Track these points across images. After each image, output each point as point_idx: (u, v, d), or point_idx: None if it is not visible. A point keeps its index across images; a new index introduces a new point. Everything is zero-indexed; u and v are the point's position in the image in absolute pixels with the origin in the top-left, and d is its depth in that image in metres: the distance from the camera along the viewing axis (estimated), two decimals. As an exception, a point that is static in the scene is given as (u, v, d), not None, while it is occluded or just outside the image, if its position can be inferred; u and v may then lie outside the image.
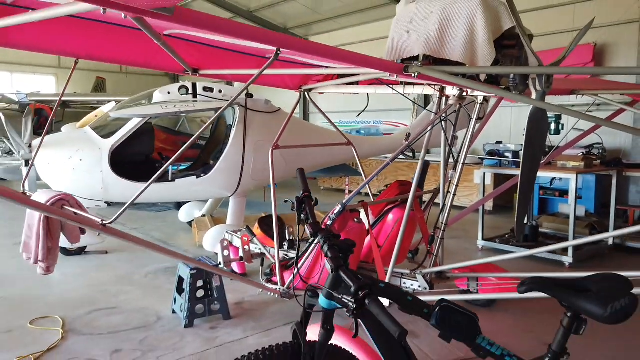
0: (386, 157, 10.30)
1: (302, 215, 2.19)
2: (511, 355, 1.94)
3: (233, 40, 2.57)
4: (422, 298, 2.02)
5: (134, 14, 1.60)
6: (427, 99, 11.21)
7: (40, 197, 3.05)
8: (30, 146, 6.07)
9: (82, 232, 3.11)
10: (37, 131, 9.34)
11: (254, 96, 6.53)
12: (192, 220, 7.59)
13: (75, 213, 2.80)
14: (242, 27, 1.88)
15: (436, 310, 1.85)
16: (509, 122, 10.86)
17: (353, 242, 1.98)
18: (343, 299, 1.79)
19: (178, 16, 1.64)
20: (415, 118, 12.03)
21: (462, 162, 3.88)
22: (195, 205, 8.00)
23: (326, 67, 3.32)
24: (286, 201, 2.32)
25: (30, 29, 2.62)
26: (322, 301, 1.90)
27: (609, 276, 1.91)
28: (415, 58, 3.13)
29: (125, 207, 2.59)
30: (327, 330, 1.92)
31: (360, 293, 1.69)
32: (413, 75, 2.67)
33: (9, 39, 2.64)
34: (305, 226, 2.13)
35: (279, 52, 2.22)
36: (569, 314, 1.85)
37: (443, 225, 3.99)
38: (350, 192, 9.93)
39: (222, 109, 3.19)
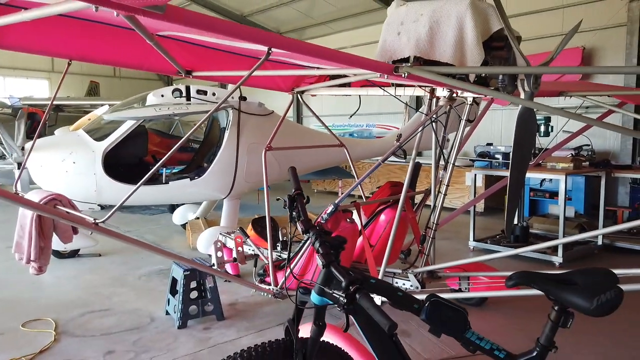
0: (378, 159, 10.35)
1: (294, 213, 2.21)
2: (500, 349, 1.97)
3: (225, 40, 2.60)
4: (414, 297, 2.03)
5: (125, 12, 1.61)
6: (419, 101, 11.28)
7: (33, 196, 3.05)
8: (23, 149, 6.05)
9: (75, 231, 3.12)
10: (30, 135, 9.29)
11: (247, 99, 6.55)
12: (186, 223, 7.60)
13: (67, 212, 2.80)
14: (233, 25, 1.90)
15: (426, 305, 1.88)
16: (499, 125, 10.96)
17: (344, 239, 2.01)
18: (334, 294, 1.81)
19: (169, 15, 1.66)
20: (407, 120, 12.08)
21: (452, 162, 3.92)
22: (189, 208, 8.01)
23: (317, 67, 3.36)
24: (278, 199, 2.35)
25: (23, 29, 2.64)
26: (314, 297, 1.91)
27: (595, 270, 1.95)
28: (406, 60, 3.17)
29: (117, 206, 2.60)
30: (319, 326, 1.93)
31: (350, 288, 1.72)
32: (403, 75, 2.71)
33: (3, 40, 2.65)
34: (297, 223, 2.15)
35: (270, 52, 2.25)
36: (556, 308, 1.88)
37: (434, 224, 4.03)
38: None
39: (212, 110, 3.22)
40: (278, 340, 2.01)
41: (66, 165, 5.88)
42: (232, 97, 6.43)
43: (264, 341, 2.00)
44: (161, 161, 2.87)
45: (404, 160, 9.96)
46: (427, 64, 3.11)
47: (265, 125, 6.36)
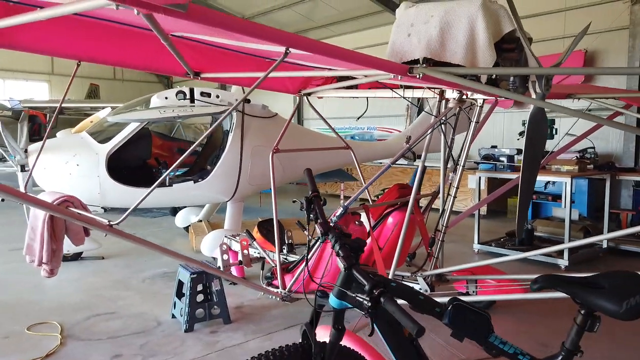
0: (381, 163, 10.33)
1: (312, 215, 2.19)
2: (524, 353, 1.93)
3: (240, 41, 2.57)
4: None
5: (147, 10, 1.59)
6: (419, 103, 11.27)
7: (45, 198, 3.02)
8: (26, 151, 6.01)
9: (87, 233, 3.08)
10: (31, 138, 9.24)
11: (251, 101, 6.53)
12: (189, 226, 7.55)
13: (79, 214, 2.77)
14: (252, 25, 1.88)
15: (449, 308, 1.84)
16: (501, 127, 10.96)
17: (364, 241, 1.98)
18: (357, 298, 1.78)
19: (191, 13, 1.63)
20: (409, 124, 12.07)
21: (462, 164, 3.91)
22: (191, 211, 7.96)
23: (330, 69, 3.33)
24: (294, 201, 2.32)
25: (34, 29, 2.62)
26: (333, 301, 1.88)
27: (622, 273, 1.91)
28: (416, 61, 3.15)
29: (131, 208, 2.58)
30: (338, 330, 1.90)
31: (375, 291, 1.68)
32: (418, 76, 2.68)
33: (13, 39, 2.62)
34: (315, 225, 2.12)
35: (288, 52, 2.22)
36: (582, 312, 1.84)
37: (443, 227, 4.01)
38: (344, 197, 9.95)
39: (226, 114, 3.19)
40: (295, 344, 1.98)
41: (70, 168, 5.84)
42: (236, 99, 6.42)
43: (281, 345, 1.97)
44: (175, 164, 2.85)
45: (406, 163, 9.96)
46: (437, 65, 3.09)
47: (269, 127, 6.34)
